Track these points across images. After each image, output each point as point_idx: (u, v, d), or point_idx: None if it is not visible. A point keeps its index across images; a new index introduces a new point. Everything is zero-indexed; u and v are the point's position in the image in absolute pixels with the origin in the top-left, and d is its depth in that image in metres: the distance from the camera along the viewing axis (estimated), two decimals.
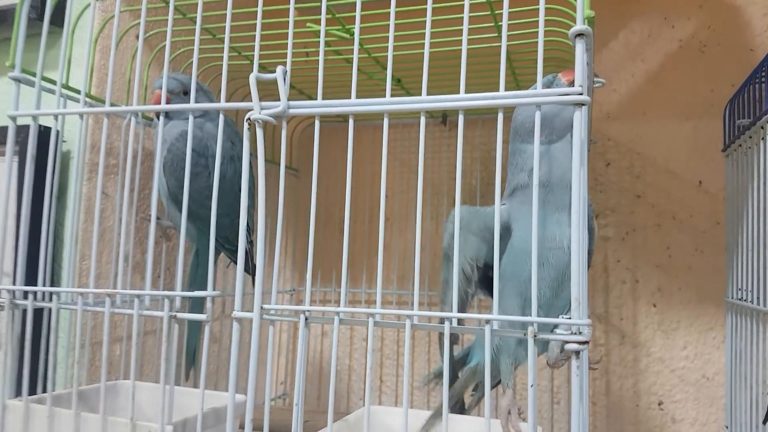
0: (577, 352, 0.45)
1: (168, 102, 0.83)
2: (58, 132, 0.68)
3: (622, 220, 1.09)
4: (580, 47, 0.50)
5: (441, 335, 0.73)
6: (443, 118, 1.20)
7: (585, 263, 0.48)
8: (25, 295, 0.66)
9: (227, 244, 0.88)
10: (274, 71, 0.57)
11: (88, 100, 0.71)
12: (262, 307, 0.56)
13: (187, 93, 0.80)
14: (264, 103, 0.58)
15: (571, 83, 0.65)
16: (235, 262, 0.92)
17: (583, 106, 0.50)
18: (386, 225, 1.22)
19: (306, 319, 0.55)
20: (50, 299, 0.66)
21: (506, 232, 0.65)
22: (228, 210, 0.83)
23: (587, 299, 0.50)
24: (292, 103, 0.57)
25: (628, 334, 1.06)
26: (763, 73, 0.86)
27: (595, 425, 1.05)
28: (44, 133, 0.69)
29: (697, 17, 1.08)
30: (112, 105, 0.68)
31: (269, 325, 0.56)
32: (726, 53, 1.07)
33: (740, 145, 0.92)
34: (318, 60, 0.59)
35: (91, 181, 0.85)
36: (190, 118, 0.63)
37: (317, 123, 0.58)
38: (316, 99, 0.57)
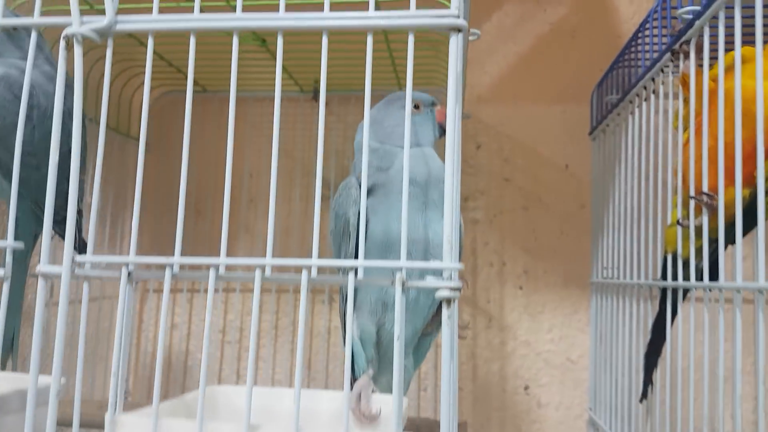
0: (449, 300, 0.40)
1: None
2: None
3: (490, 202, 1.07)
4: None
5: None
6: (314, 94, 1.13)
7: (457, 200, 0.43)
8: None
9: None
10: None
11: None
12: (74, 260, 0.45)
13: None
14: (87, 17, 0.48)
15: (441, 124, 0.67)
16: (59, 234, 0.80)
17: (460, 33, 0.44)
18: (249, 206, 1.13)
19: (129, 274, 0.45)
20: None
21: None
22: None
23: (459, 245, 0.45)
24: (121, 17, 0.48)
25: (495, 317, 1.04)
26: (630, 55, 0.87)
27: (462, 411, 1.01)
28: None
29: (568, 2, 1.09)
30: None
31: (84, 282, 0.46)
32: (595, 39, 1.08)
33: (608, 125, 0.92)
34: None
35: None
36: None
37: (150, 43, 0.48)
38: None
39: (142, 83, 1.07)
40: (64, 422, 0.47)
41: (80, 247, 0.83)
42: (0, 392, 0.53)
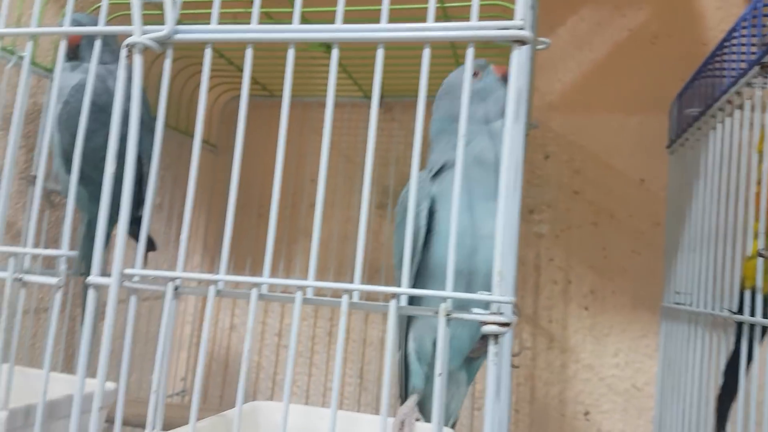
0: (496, 336, 0.37)
1: (77, 43, 0.74)
2: None
3: (557, 216, 1.02)
4: None
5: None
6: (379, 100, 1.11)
7: (514, 228, 0.40)
8: None
9: None
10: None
11: None
12: (123, 273, 0.45)
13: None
14: (147, 27, 0.48)
15: (504, 76, 0.61)
16: (132, 235, 0.82)
17: (524, 46, 0.42)
18: (309, 211, 1.13)
19: (176, 288, 0.45)
20: None
21: (430, 216, 0.58)
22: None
23: (514, 277, 0.42)
24: (180, 27, 0.47)
25: (557, 338, 0.99)
26: (714, 66, 0.81)
27: None
28: None
29: (649, 7, 1.03)
30: None
31: (132, 294, 0.46)
32: (677, 46, 1.02)
33: (687, 139, 0.86)
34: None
35: None
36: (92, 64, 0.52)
37: (208, 54, 0.48)
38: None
39: (214, 87, 1.09)
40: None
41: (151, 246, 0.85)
42: (53, 396, 0.53)
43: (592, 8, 1.05)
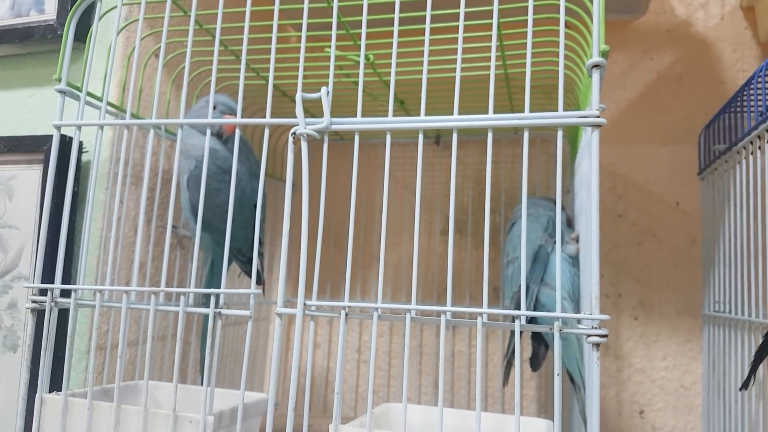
0: (597, 344, 0.51)
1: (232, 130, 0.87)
2: (80, 142, 0.70)
3: (605, 238, 1.16)
4: (596, 77, 0.56)
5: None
6: (436, 139, 1.27)
7: (596, 262, 0.54)
8: (43, 292, 0.68)
9: (240, 255, 0.91)
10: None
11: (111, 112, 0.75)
12: (305, 304, 0.60)
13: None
14: (308, 119, 0.63)
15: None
16: (246, 273, 0.97)
17: (599, 128, 0.56)
18: (379, 239, 1.28)
19: (346, 314, 0.60)
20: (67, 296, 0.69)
21: None
22: (243, 224, 0.86)
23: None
24: (334, 120, 0.62)
25: (611, 345, 1.13)
26: (737, 104, 0.95)
27: None
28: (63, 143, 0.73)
29: (673, 51, 1.18)
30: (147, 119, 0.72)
31: (310, 320, 0.61)
32: (699, 84, 1.16)
33: (716, 169, 1.00)
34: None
35: (110, 190, 0.88)
36: (236, 135, 0.68)
37: (356, 138, 0.63)
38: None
39: (285, 131, 1.24)
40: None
41: (258, 280, 0.99)
42: (229, 406, 0.68)
43: (623, 54, 1.20)
